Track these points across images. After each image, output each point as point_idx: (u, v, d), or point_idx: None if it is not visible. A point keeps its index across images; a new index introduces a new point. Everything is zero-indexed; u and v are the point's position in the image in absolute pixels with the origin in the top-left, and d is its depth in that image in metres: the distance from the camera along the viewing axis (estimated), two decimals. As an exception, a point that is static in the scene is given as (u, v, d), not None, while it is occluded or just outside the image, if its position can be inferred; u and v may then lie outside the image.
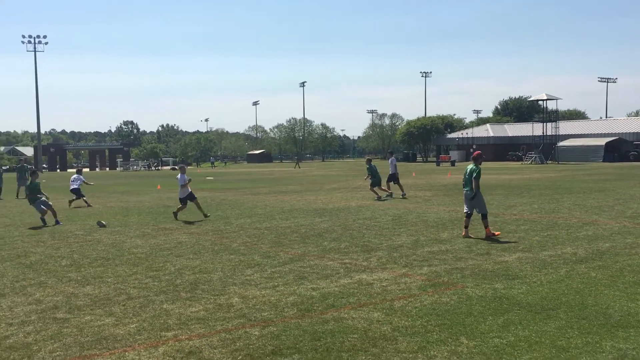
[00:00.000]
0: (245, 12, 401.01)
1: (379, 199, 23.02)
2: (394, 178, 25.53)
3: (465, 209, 13.30)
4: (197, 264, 10.61)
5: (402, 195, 24.39)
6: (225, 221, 17.10)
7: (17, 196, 29.59)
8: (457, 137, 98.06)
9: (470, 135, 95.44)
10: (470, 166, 13.21)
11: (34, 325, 7.07)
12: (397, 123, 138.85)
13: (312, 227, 15.21)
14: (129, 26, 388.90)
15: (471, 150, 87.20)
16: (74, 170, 27.24)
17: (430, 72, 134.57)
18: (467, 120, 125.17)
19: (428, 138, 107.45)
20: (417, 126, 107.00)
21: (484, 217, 12.96)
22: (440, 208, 19.43)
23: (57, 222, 17.40)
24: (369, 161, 25.84)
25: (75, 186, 24.07)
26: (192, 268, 10.26)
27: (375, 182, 24.09)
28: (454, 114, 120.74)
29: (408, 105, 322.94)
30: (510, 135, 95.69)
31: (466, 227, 13.16)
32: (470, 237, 12.81)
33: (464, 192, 13.35)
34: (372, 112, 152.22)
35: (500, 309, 7.27)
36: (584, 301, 7.57)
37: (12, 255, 12.12)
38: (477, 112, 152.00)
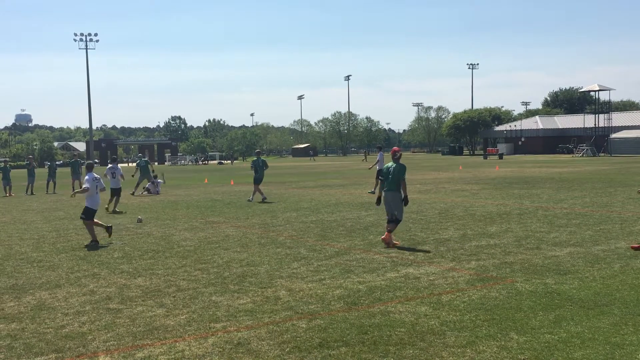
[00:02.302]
0: (290, 7, 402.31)
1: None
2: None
3: (388, 214, 11.66)
4: (244, 257, 10.73)
5: (371, 191, 23.42)
6: (271, 215, 17.24)
7: (72, 190, 30.47)
8: (505, 130, 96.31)
9: (518, 127, 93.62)
10: (392, 164, 11.65)
11: (88, 315, 7.27)
12: (444, 116, 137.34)
13: (358, 221, 15.19)
14: (177, 22, 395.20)
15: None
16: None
17: (477, 64, 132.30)
18: (515, 113, 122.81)
19: (475, 131, 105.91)
20: (463, 119, 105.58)
21: (397, 222, 11.50)
22: (487, 202, 19.13)
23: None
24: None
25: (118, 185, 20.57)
26: (239, 261, 10.39)
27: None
28: (502, 106, 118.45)
29: (454, 98, 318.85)
30: (560, 127, 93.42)
31: (390, 231, 11.46)
32: (396, 244, 11.38)
33: (386, 194, 11.63)
34: (417, 105, 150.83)
35: (552, 305, 7.11)
36: (639, 297, 7.34)
37: (67, 247, 12.50)
38: (526, 104, 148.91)
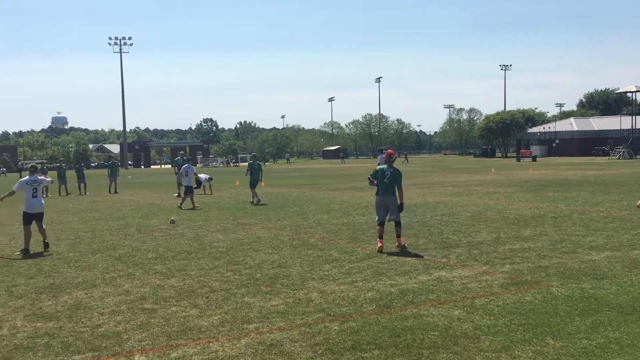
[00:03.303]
0: (321, 8, 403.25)
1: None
2: None
3: (380, 219, 11.46)
4: (276, 259, 10.77)
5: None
6: (302, 217, 17.27)
7: (109, 191, 31.02)
8: (539, 132, 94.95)
9: (552, 129, 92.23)
10: (385, 167, 11.45)
11: (123, 315, 7.38)
12: (475, 118, 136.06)
13: (390, 223, 15.10)
14: (209, 25, 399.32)
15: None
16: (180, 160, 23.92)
17: (510, 65, 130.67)
18: (549, 114, 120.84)
19: (508, 133, 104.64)
20: (496, 121, 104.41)
21: (400, 224, 11.48)
22: (521, 204, 18.87)
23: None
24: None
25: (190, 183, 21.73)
26: (271, 262, 10.43)
27: None
28: (535, 108, 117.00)
29: (486, 100, 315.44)
30: (596, 129, 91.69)
31: (381, 237, 11.39)
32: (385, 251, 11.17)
33: (380, 198, 11.42)
34: (449, 107, 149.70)
35: (589, 310, 6.98)
36: (680, 303, 7.16)
37: (102, 247, 12.71)
38: (560, 105, 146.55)
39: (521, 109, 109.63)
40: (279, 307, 7.51)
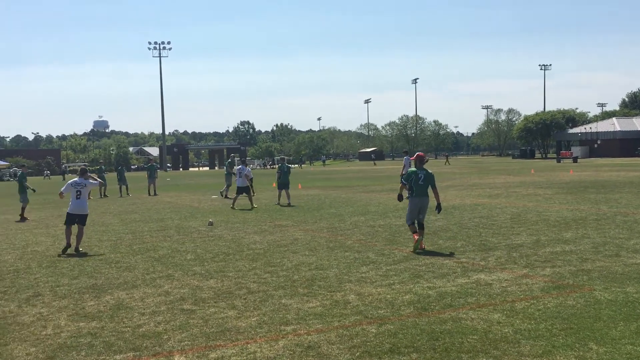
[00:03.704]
0: (356, 10, 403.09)
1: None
2: None
3: (411, 220, 11.64)
4: (313, 261, 10.79)
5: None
6: (339, 219, 17.27)
7: (148, 193, 31.57)
8: (580, 132, 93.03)
9: (594, 130, 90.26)
10: (422, 171, 11.57)
11: (163, 315, 7.49)
12: (514, 118, 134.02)
13: (427, 225, 14.95)
14: (245, 28, 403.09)
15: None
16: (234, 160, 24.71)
17: (550, 65, 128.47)
18: (590, 115, 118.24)
19: (547, 134, 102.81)
20: (535, 121, 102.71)
21: (424, 227, 11.68)
22: (562, 206, 18.51)
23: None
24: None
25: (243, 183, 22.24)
26: (308, 264, 10.45)
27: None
28: (576, 108, 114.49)
29: (525, 100, 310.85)
30: (639, 129, 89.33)
31: (415, 232, 11.55)
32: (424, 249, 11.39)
33: (415, 199, 11.51)
34: (486, 107, 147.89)
35: (634, 315, 6.80)
36: None
37: (143, 249, 12.93)
38: (602, 105, 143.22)
39: (561, 109, 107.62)
40: (316, 309, 7.52)
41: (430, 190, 11.66)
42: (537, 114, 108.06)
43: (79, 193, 12.79)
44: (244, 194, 22.28)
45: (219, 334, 6.63)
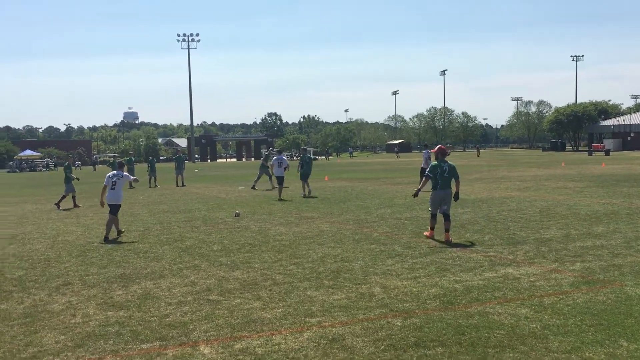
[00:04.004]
0: (385, 2, 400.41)
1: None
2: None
3: (434, 211, 11.95)
4: (338, 253, 10.77)
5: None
6: (365, 211, 17.21)
7: (176, 184, 31.85)
8: (612, 125, 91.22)
9: (627, 122, 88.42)
10: (440, 163, 11.76)
11: (189, 305, 7.55)
12: (545, 110, 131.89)
13: (454, 218, 14.85)
14: (272, 21, 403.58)
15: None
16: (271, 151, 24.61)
17: (582, 56, 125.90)
18: (623, 107, 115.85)
19: (579, 126, 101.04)
20: (566, 113, 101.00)
21: (449, 218, 11.83)
22: (593, 200, 18.18)
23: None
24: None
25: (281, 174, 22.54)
26: (334, 256, 10.44)
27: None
28: (609, 100, 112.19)
29: (555, 92, 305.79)
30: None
31: (433, 228, 12.05)
32: (435, 239, 11.70)
33: (439, 192, 11.75)
34: (516, 99, 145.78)
35: (666, 312, 6.64)
36: None
37: (170, 239, 13.05)
38: (635, 97, 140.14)
39: (593, 101, 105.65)
40: (341, 301, 7.50)
41: (452, 182, 11.89)
42: (568, 105, 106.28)
43: (114, 183, 13.45)
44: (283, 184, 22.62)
45: (244, 325, 6.66)
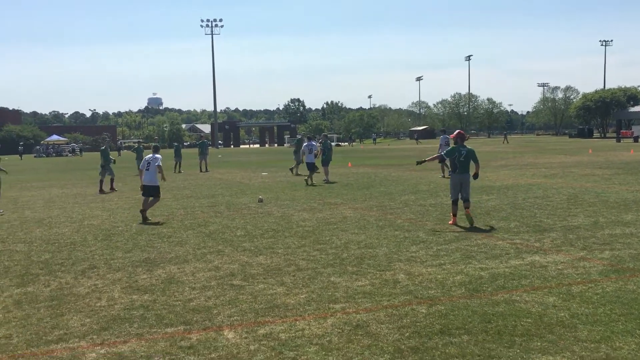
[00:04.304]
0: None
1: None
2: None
3: (454, 196, 12.10)
4: (362, 239, 10.71)
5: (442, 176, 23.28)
6: (389, 197, 17.11)
7: (200, 169, 32.01)
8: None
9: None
10: (458, 147, 12.06)
11: (213, 290, 7.56)
12: (572, 96, 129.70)
13: (479, 205, 14.69)
14: (295, 7, 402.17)
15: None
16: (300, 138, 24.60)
17: (611, 41, 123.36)
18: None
19: (607, 112, 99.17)
20: (594, 99, 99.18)
21: (469, 202, 12.06)
22: (622, 187, 17.83)
23: None
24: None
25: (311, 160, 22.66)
26: (357, 243, 10.38)
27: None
28: (638, 86, 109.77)
29: (583, 78, 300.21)
30: None
31: (455, 214, 12.09)
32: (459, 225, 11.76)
33: (457, 176, 12.03)
34: (543, 85, 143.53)
35: (699, 302, 6.47)
36: None
37: (194, 224, 13.11)
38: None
39: (622, 86, 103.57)
40: (365, 287, 7.45)
41: (471, 167, 12.17)
42: (596, 91, 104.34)
43: (148, 165, 14.28)
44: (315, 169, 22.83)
45: (268, 310, 6.64)
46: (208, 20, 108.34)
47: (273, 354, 5.37)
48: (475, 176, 12.28)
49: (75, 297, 7.42)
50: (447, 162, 22.19)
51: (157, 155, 14.46)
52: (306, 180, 22.23)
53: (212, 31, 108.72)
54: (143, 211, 13.89)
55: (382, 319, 6.22)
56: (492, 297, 6.86)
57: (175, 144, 35.88)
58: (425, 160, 13.64)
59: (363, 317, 6.31)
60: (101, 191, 21.25)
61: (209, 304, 6.95)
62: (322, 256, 9.35)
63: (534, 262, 8.48)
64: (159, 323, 6.32)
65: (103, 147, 23.35)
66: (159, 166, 14.23)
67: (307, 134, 27.54)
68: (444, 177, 23.02)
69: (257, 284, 7.77)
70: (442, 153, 12.58)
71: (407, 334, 5.75)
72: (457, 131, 12.53)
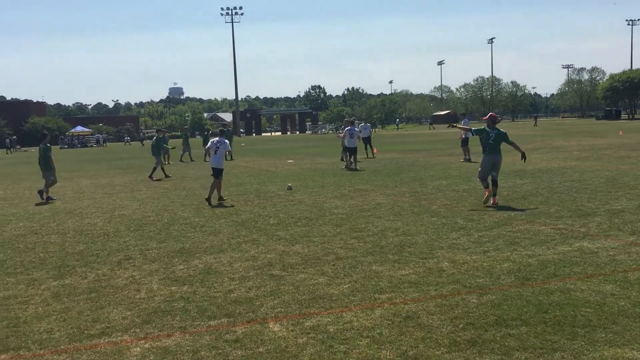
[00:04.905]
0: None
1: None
2: (465, 142, 23.78)
3: (483, 176, 12.36)
4: (399, 226, 10.45)
5: (465, 159, 23.26)
6: (420, 183, 16.79)
7: (225, 158, 31.86)
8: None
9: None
10: (487, 129, 12.32)
11: (253, 281, 7.38)
12: (598, 78, 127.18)
13: (514, 190, 14.34)
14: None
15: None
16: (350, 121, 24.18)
17: (638, 20, 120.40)
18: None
19: (635, 93, 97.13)
20: (622, 80, 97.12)
21: (497, 184, 12.36)
22: (661, 169, 17.29)
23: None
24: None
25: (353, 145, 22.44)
26: (394, 230, 10.13)
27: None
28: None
29: (608, 59, 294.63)
30: None
31: (487, 187, 12.36)
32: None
33: (488, 157, 12.23)
34: (568, 67, 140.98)
35: None
36: None
37: (225, 213, 12.95)
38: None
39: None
40: (409, 276, 7.21)
41: (502, 149, 12.41)
42: (624, 72, 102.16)
43: (216, 149, 14.50)
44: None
45: (312, 301, 6.44)
46: (228, 9, 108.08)
47: (323, 347, 5.16)
48: (523, 157, 12.61)
49: (113, 289, 7.29)
50: (468, 146, 22.33)
51: (225, 140, 14.82)
52: (348, 165, 22.29)
53: (232, 19, 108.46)
54: (208, 198, 14.31)
55: (432, 309, 5.98)
56: (544, 285, 6.57)
57: (206, 132, 35.91)
58: (456, 125, 14.24)
59: (412, 307, 6.07)
60: (166, 176, 22.21)
61: (251, 295, 6.76)
62: (360, 244, 9.12)
63: (583, 248, 8.16)
64: (202, 315, 6.15)
65: (160, 136, 24.48)
66: (229, 151, 15.16)
67: (349, 119, 27.20)
68: (467, 159, 22.99)
69: (297, 274, 7.57)
70: (472, 130, 12.91)
71: (461, 325, 5.50)
72: (490, 114, 12.76)
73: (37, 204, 15.99)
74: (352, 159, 22.46)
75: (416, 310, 5.98)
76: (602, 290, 6.28)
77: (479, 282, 6.84)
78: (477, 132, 12.57)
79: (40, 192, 16.76)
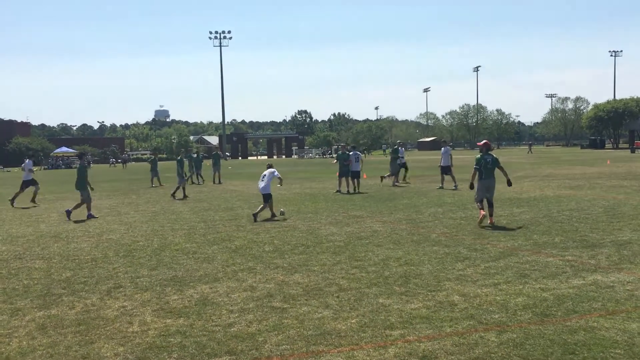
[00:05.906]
0: (415, 0, 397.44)
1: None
2: (446, 170, 23.84)
3: (480, 198, 13.27)
4: (400, 255, 10.06)
5: (454, 187, 23.02)
6: (415, 210, 16.45)
7: (213, 181, 31.43)
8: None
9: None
10: (484, 156, 13.33)
11: (253, 313, 6.93)
12: (582, 107, 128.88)
13: (513, 218, 14.04)
14: (303, 20, 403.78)
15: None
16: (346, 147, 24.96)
17: (621, 51, 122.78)
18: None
19: (619, 123, 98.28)
20: (606, 110, 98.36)
21: (493, 205, 13.40)
22: (658, 200, 17.10)
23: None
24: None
25: (357, 168, 23.22)
26: (396, 259, 9.74)
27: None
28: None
29: (591, 89, 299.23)
30: None
31: (482, 208, 13.21)
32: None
33: (484, 181, 13.24)
34: (551, 96, 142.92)
35: None
36: None
37: (218, 239, 12.49)
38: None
39: (635, 97, 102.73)
40: (420, 310, 6.80)
41: (496, 174, 13.38)
42: (608, 101, 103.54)
43: (263, 177, 15.93)
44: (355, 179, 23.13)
45: (319, 337, 6.00)
46: (217, 32, 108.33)
47: (337, 391, 4.73)
48: (509, 183, 14.04)
49: (104, 321, 6.80)
50: (445, 175, 22.52)
51: (274, 171, 16.04)
52: (347, 191, 22.66)
53: (220, 43, 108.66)
54: (255, 214, 15.40)
55: (450, 349, 5.57)
56: (565, 323, 6.20)
57: (214, 152, 35.26)
58: (472, 182, 13.83)
59: (427, 346, 5.66)
60: (185, 196, 22.80)
61: (252, 330, 6.31)
62: (362, 274, 8.71)
63: (598, 282, 7.81)
64: (201, 352, 5.69)
65: (179, 157, 25.33)
66: (279, 178, 16.07)
67: (349, 144, 27.88)
68: (441, 188, 23.21)
69: (300, 306, 7.14)
70: (475, 166, 13.42)
71: (484, 367, 5.10)
72: (484, 141, 13.95)
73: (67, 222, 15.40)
74: (354, 183, 23.00)
75: (432, 349, 5.57)
76: (628, 329, 5.92)
77: (495, 318, 6.45)
78: (478, 162, 13.35)
79: (68, 212, 17.10)
